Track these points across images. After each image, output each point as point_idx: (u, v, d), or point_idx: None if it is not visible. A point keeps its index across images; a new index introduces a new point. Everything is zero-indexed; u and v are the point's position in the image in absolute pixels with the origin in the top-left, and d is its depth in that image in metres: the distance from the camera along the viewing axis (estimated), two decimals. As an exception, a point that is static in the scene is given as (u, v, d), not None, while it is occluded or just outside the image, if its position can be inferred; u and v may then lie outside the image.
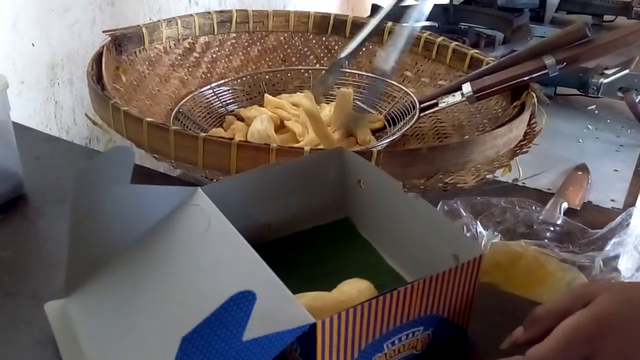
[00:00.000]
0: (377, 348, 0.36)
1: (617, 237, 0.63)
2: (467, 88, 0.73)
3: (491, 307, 0.42)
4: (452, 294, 0.38)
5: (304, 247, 0.49)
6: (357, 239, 0.50)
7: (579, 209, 0.78)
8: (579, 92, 1.12)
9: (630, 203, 0.80)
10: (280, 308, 0.33)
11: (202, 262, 0.39)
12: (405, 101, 0.80)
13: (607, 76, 1.08)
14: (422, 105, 0.76)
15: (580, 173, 0.88)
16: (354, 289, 0.42)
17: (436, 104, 0.76)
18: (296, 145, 0.65)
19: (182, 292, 0.37)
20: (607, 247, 0.63)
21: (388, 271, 0.46)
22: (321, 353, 0.34)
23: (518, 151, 0.64)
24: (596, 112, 1.12)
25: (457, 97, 0.74)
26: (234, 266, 0.37)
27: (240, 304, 0.28)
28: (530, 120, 0.68)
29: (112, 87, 0.72)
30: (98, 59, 0.73)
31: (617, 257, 0.61)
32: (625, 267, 0.61)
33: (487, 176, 0.61)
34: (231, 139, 0.56)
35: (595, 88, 1.08)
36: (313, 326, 0.32)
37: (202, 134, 0.57)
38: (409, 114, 0.76)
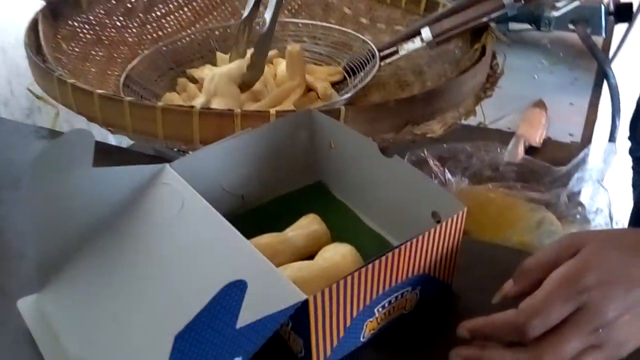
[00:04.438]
0: (368, 314, 0.36)
1: (579, 173, 0.65)
2: (426, 33, 0.71)
3: (472, 259, 0.43)
4: (438, 251, 0.38)
5: (279, 214, 0.48)
6: (332, 201, 0.50)
7: (539, 146, 0.79)
8: (531, 27, 1.12)
9: (587, 136, 0.82)
10: (270, 288, 0.32)
11: (181, 246, 0.37)
12: (363, 50, 0.78)
13: (558, 9, 1.09)
14: (381, 54, 0.75)
15: (538, 109, 0.88)
16: (337, 254, 0.41)
17: (396, 52, 0.75)
18: (262, 108, 0.63)
19: (164, 279, 0.36)
20: (571, 183, 0.64)
21: (367, 232, 0.46)
22: (314, 326, 0.33)
23: (482, 95, 0.64)
24: (549, 46, 1.12)
25: (416, 42, 0.73)
26: (216, 248, 0.36)
27: (232, 294, 0.27)
28: (491, 62, 0.67)
29: (54, 57, 0.67)
30: (34, 27, 0.68)
31: (580, 192, 0.63)
32: (589, 201, 0.63)
33: (454, 123, 0.61)
34: (192, 106, 0.53)
35: (547, 22, 1.08)
36: (305, 302, 0.32)
37: (160, 104, 0.54)
38: (368, 64, 0.75)
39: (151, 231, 0.40)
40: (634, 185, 1.11)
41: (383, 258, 0.34)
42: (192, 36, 0.82)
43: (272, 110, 0.51)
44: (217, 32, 0.84)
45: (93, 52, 0.75)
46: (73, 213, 0.41)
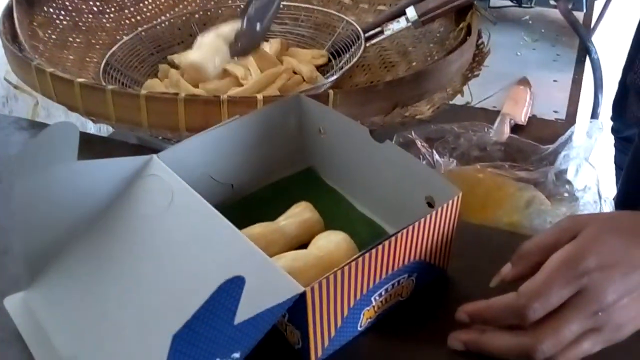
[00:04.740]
0: (365, 303, 0.36)
1: (566, 150, 0.65)
2: (411, 12, 0.71)
3: (464, 241, 0.43)
4: (433, 237, 0.38)
5: (270, 202, 0.47)
6: (323, 188, 0.49)
7: (525, 124, 0.79)
8: (512, 4, 1.12)
9: (572, 112, 0.82)
10: (266, 281, 0.31)
11: (173, 240, 0.36)
12: (347, 31, 0.77)
13: (540, -16, 1.08)
14: (366, 35, 0.74)
15: (522, 87, 0.88)
16: (331, 242, 0.41)
17: (381, 32, 0.74)
18: (246, 93, 0.62)
19: (156, 274, 0.35)
20: (558, 161, 0.64)
21: (360, 218, 0.46)
22: (311, 318, 0.33)
23: (470, 75, 0.64)
24: (530, 22, 1.12)
25: (402, 22, 0.72)
26: (209, 241, 0.35)
27: (230, 291, 0.26)
28: (477, 41, 0.67)
29: (30, 45, 0.65)
30: (8, 14, 0.65)
31: (567, 170, 0.63)
32: (576, 179, 0.63)
33: (442, 104, 0.61)
34: (176, 94, 0.52)
35: (529, -3, 1.08)
36: (302, 294, 0.31)
37: (144, 92, 0.52)
38: (353, 45, 0.74)
39: (141, 224, 0.39)
40: (619, 165, 1.13)
41: (379, 247, 0.34)
42: (172, 20, 0.80)
43: (259, 96, 0.50)
44: (197, 16, 0.82)
45: (70, 39, 0.73)
46: (59, 208, 0.40)
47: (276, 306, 0.30)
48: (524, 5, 1.10)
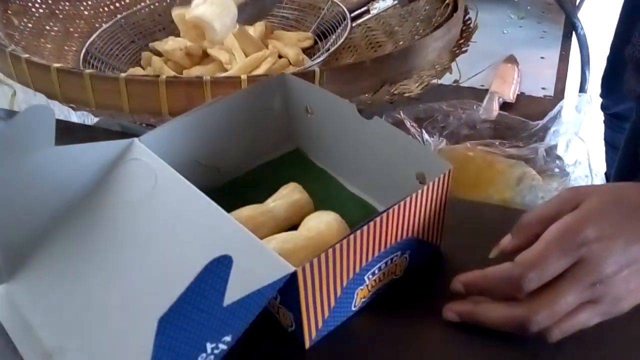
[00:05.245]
0: (358, 282, 0.35)
1: (555, 126, 0.64)
2: (397, -11, 0.70)
3: (456, 218, 0.42)
4: (425, 213, 0.37)
5: (258, 185, 0.46)
6: (312, 168, 0.48)
7: (513, 101, 0.79)
8: (497, -19, 1.11)
9: (560, 89, 0.82)
10: (256, 262, 0.30)
11: (158, 224, 0.35)
12: (333, 12, 0.75)
13: (524, -39, 1.07)
14: (351, 15, 0.72)
15: (509, 65, 0.88)
16: (321, 222, 0.40)
17: (367, 11, 0.73)
18: (231, 74, 0.60)
19: (141, 260, 0.34)
20: (547, 137, 0.64)
21: (350, 198, 0.45)
22: (304, 299, 0.32)
23: (457, 51, 0.63)
24: (516, 0, 1.11)
25: (388, 1, 0.71)
26: (195, 224, 0.34)
27: (217, 271, 0.25)
28: (464, 17, 0.66)
29: (5, 34, 0.63)
30: (-19, 1, 0.63)
31: (557, 145, 0.63)
32: (567, 154, 0.63)
33: (431, 81, 0.59)
34: (157, 76, 0.50)
35: (514, -26, 1.07)
36: (293, 274, 0.30)
37: (123, 75, 0.51)
38: (339, 26, 0.72)
39: (124, 210, 0.38)
40: (609, 142, 1.12)
41: (371, 224, 0.33)
42: (152, 7, 0.78)
43: (244, 76, 0.49)
44: (177, 1, 0.80)
45: (47, 27, 0.71)
46: (37, 196, 0.38)
47: (267, 287, 0.29)
48: (509, -17, 1.09)
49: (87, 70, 0.52)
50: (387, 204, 0.34)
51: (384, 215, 0.33)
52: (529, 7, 1.08)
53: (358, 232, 0.32)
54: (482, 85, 0.84)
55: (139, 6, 0.78)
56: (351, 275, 0.34)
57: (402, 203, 0.34)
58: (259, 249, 0.31)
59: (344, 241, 0.32)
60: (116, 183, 0.39)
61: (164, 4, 0.79)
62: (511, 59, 0.89)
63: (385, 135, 0.41)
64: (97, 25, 0.74)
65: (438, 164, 0.36)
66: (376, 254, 0.35)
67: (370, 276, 0.36)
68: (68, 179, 0.39)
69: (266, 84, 0.47)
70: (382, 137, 0.41)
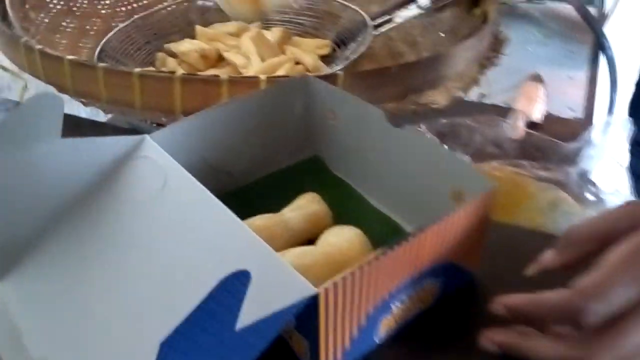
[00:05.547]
0: (384, 310, 0.31)
1: (588, 149, 0.61)
2: (423, -1, 0.67)
3: (492, 243, 0.38)
4: (464, 236, 0.33)
5: (271, 194, 0.42)
6: (330, 179, 0.44)
7: (540, 121, 0.76)
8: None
9: (589, 110, 0.79)
10: (273, 279, 0.27)
11: (165, 229, 0.32)
12: (353, 20, 0.72)
13: (552, -21, 1.05)
14: (373, 23, 0.69)
15: (535, 83, 0.85)
16: (342, 238, 0.36)
17: (390, 20, 0.69)
18: (251, 74, 0.57)
19: (145, 269, 0.31)
20: (580, 161, 0.60)
21: (373, 213, 0.41)
22: (324, 326, 0.28)
23: (487, 63, 0.59)
24: (541, 18, 1.08)
25: (413, 10, 0.68)
26: (207, 232, 0.30)
27: (233, 288, 0.22)
28: (495, 29, 0.63)
29: (22, 27, 0.62)
30: (0, -6, 0.61)
31: (591, 170, 0.59)
32: (603, 181, 0.59)
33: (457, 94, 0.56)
34: (172, 72, 0.47)
35: (540, -8, 1.04)
36: (314, 296, 0.27)
37: (137, 69, 0.48)
38: (359, 35, 0.69)
39: (130, 211, 0.34)
40: (634, 172, 1.08)
41: (405, 244, 0.29)
42: (169, 8, 0.76)
43: (263, 76, 0.46)
44: (198, 2, 0.78)
45: (64, 24, 0.70)
46: (38, 190, 0.35)
47: (285, 309, 0.25)
48: (534, 1, 1.06)
49: (101, 64, 0.50)
50: (415, 222, 0.30)
51: (420, 235, 0.30)
52: (554, 26, 1.05)
53: (390, 252, 0.29)
54: (506, 103, 0.80)
55: (156, 7, 0.76)
56: (378, 302, 0.30)
57: (440, 223, 0.30)
58: (277, 264, 0.28)
59: (374, 262, 0.28)
60: (123, 181, 0.35)
61: (182, 6, 0.77)
62: (536, 77, 0.86)
63: (418, 145, 0.37)
64: (113, 24, 0.72)
65: (479, 180, 0.33)
66: (408, 279, 0.31)
67: (398, 304, 0.32)
68: (73, 174, 0.36)
69: (287, 86, 0.43)
70: (414, 148, 0.37)
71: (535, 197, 0.55)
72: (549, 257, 0.32)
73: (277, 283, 0.27)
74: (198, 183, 0.33)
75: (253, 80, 0.46)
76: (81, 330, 0.31)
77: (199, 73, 0.61)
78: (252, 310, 0.24)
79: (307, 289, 0.26)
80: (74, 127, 0.55)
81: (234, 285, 0.22)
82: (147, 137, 0.36)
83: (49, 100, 0.32)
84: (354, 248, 0.35)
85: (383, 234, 0.39)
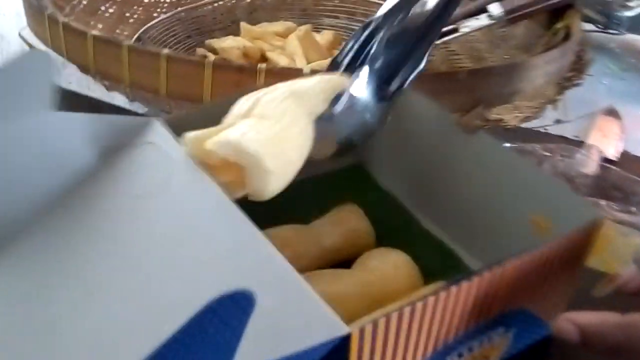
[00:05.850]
0: (436, 363, 0.23)
1: (678, 192, 0.52)
2: (496, 9, 0.60)
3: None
4: (551, 279, 0.25)
5: (304, 202, 0.35)
6: (375, 191, 0.37)
7: (616, 159, 0.67)
8: (596, 29, 1.00)
9: (673, 152, 0.69)
10: (291, 308, 0.20)
11: (162, 233, 0.25)
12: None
13: (632, 9, 0.96)
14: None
15: (610, 117, 0.76)
16: (386, 263, 0.29)
17: (455, 30, 0.63)
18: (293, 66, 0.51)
19: (132, 277, 0.24)
20: (667, 205, 0.51)
21: (424, 236, 0.34)
22: (355, 378, 0.21)
23: (567, 84, 0.52)
24: (617, 50, 0.99)
25: (482, 20, 0.61)
26: (212, 241, 0.23)
27: (227, 315, 0.15)
28: (579, 47, 0.55)
29: (55, 4, 0.58)
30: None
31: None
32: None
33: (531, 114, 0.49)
34: (204, 56, 0.42)
35: (617, 23, 0.96)
36: (345, 337, 0.19)
37: (166, 51, 0.42)
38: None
39: (124, 206, 0.28)
40: None
41: (473, 280, 0.22)
42: (215, 4, 0.72)
43: (306, 68, 0.39)
44: (246, 1, 0.73)
45: (102, 8, 0.67)
46: (20, 174, 0.29)
47: (302, 352, 0.18)
48: (611, 32, 0.98)
49: (126, 42, 0.45)
50: (477, 252, 0.23)
51: (498, 270, 0.22)
52: (632, 60, 0.96)
53: (454, 289, 0.21)
54: (576, 137, 0.72)
55: (202, 1, 0.72)
56: (428, 353, 0.22)
57: (522, 258, 0.23)
58: (299, 288, 0.20)
59: (430, 300, 0.21)
60: (121, 169, 0.29)
61: (229, 4, 0.73)
62: (612, 112, 0.77)
63: (491, 157, 0.30)
64: (155, 14, 0.69)
65: (576, 208, 0.25)
66: (470, 327, 0.23)
67: (456, 358, 0.24)
68: (63, 157, 0.29)
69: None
70: (487, 160, 0.30)
71: (615, 242, 0.46)
72: (628, 276, 0.27)
73: (297, 314, 0.19)
74: (209, 179, 0.26)
75: (295, 72, 0.40)
76: (43, 344, 0.25)
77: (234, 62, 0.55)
78: (257, 348, 0.17)
79: (336, 327, 0.19)
80: (91, 110, 0.50)
81: (229, 310, 0.15)
82: (154, 120, 0.30)
83: (38, 61, 0.26)
84: (400, 278, 0.28)
85: (435, 262, 0.31)
